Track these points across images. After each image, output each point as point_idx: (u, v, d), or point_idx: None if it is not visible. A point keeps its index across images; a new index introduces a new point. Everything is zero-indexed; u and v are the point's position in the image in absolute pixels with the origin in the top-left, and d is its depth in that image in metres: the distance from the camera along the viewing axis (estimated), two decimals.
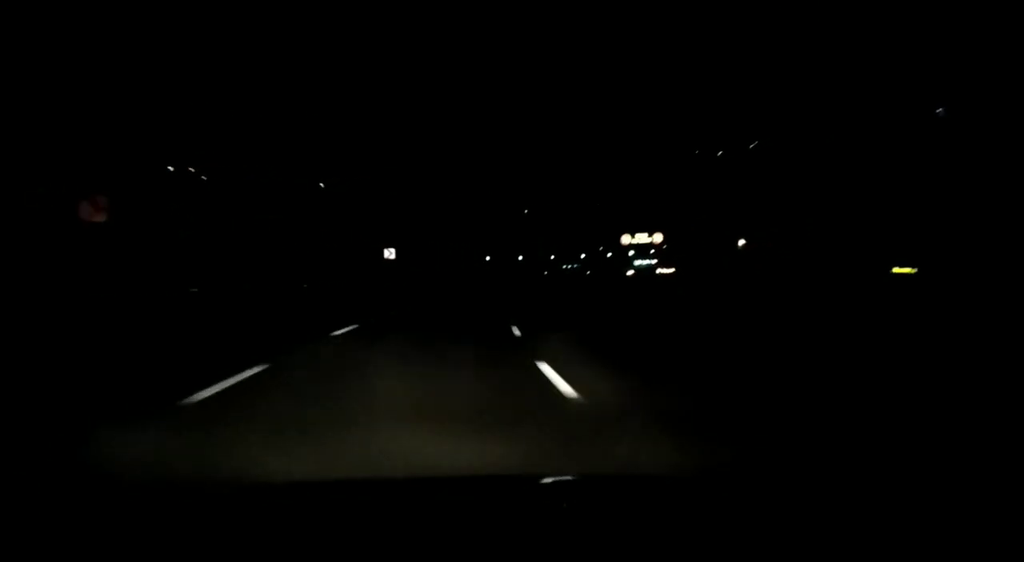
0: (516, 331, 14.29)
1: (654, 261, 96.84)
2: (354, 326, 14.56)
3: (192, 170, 48.02)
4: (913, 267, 29.11)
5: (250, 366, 8.18)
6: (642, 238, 72.93)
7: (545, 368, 8.56)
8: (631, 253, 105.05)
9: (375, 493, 2.00)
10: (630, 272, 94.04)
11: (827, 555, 1.42)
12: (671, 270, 79.53)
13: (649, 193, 79.89)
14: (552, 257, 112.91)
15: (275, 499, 1.89)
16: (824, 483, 3.37)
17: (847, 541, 1.48)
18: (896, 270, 29.97)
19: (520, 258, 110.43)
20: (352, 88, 54.30)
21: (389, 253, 51.19)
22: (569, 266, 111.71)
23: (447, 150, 67.14)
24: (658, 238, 68.69)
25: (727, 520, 1.67)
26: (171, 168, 42.50)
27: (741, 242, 48.98)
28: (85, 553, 1.39)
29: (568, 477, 2.65)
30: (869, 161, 32.68)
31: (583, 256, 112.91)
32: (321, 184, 63.46)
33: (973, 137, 28.32)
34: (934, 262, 27.39)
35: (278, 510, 1.73)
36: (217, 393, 6.61)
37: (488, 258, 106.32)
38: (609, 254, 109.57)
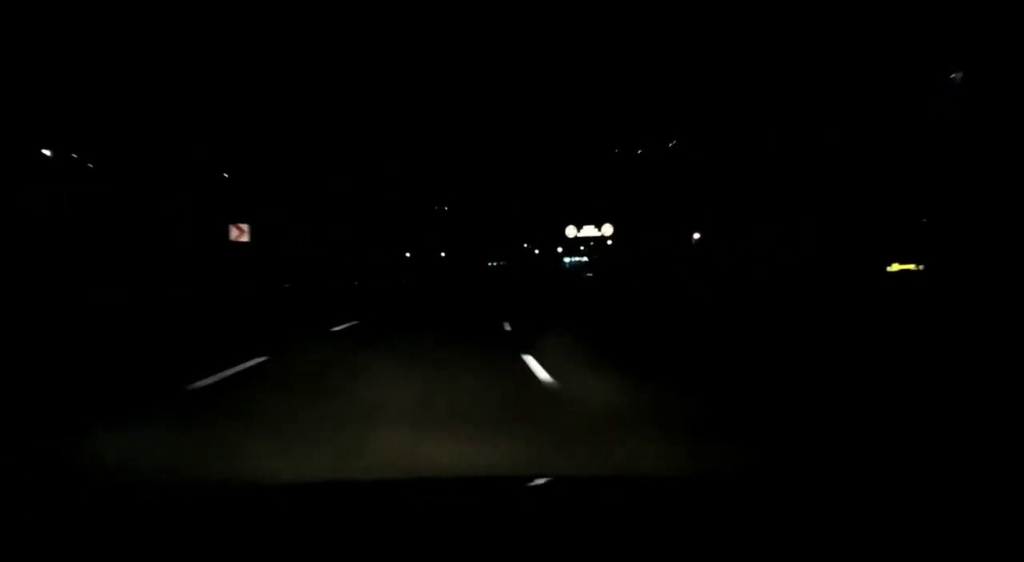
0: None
1: (584, 258, 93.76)
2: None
3: (74, 156, 42.63)
4: (918, 263, 25.82)
5: None
6: (590, 231, 66.69)
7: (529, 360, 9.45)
8: (559, 250, 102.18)
9: (372, 495, 2.01)
10: (561, 268, 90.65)
11: (831, 556, 1.40)
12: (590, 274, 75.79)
13: (587, 188, 76.24)
14: (477, 254, 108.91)
15: (272, 500, 1.88)
16: (826, 484, 3.27)
17: (850, 543, 1.46)
18: (896, 267, 26.77)
19: (443, 255, 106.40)
20: (256, 72, 48.50)
21: (238, 233, 43.45)
22: (495, 264, 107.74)
23: (363, 145, 61.56)
24: (608, 230, 62.79)
25: (728, 522, 1.64)
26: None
27: (696, 236, 45.96)
28: (85, 553, 1.39)
29: (568, 478, 2.90)
30: (855, 146, 29.20)
31: (510, 253, 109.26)
32: (225, 175, 58.16)
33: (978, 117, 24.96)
34: (943, 257, 23.96)
35: (275, 511, 1.72)
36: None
37: (408, 255, 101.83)
38: (537, 251, 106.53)
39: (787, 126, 33.40)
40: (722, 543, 1.45)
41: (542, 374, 8.26)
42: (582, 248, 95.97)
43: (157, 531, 1.52)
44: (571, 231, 66.56)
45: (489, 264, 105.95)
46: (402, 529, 1.56)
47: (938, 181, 24.96)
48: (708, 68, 42.64)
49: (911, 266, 26.22)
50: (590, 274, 79.85)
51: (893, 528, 1.53)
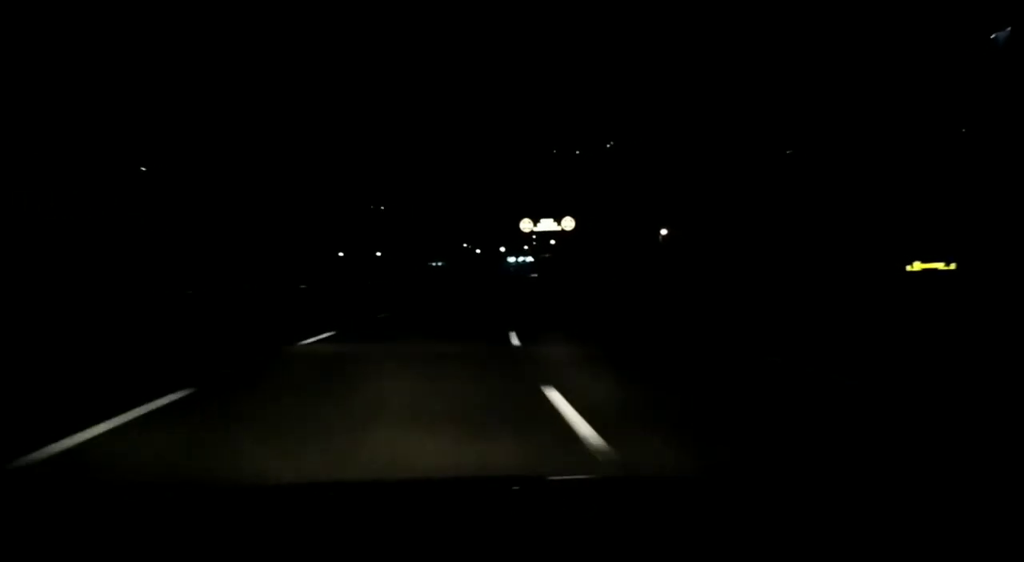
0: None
1: (530, 258, 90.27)
2: None
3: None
4: (947, 261, 22.79)
5: None
6: (548, 225, 59.39)
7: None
8: (502, 249, 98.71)
9: (372, 495, 2.02)
10: (505, 268, 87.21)
11: (830, 555, 1.41)
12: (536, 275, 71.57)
13: (535, 184, 72.54)
14: (415, 254, 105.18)
15: (272, 500, 1.90)
16: (826, 483, 3.28)
17: (851, 541, 1.47)
18: (919, 266, 23.78)
19: (379, 254, 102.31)
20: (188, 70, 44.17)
21: None
22: (435, 264, 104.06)
23: (298, 141, 56.50)
24: (569, 224, 56.40)
25: (726, 521, 1.66)
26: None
27: (664, 232, 42.82)
28: (85, 553, 1.39)
29: (568, 478, 2.84)
30: (863, 128, 26.03)
31: (449, 254, 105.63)
32: (143, 168, 53.26)
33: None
34: (983, 255, 20.86)
35: (275, 511, 1.74)
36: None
37: (341, 254, 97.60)
38: (478, 250, 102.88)
39: (781, 109, 30.14)
40: (721, 543, 1.44)
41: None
42: (526, 248, 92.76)
43: (157, 531, 1.51)
44: (526, 225, 58.87)
45: (431, 264, 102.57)
46: (401, 529, 1.56)
47: (976, 165, 21.83)
48: (672, 59, 39.66)
49: (938, 265, 23.25)
50: (535, 274, 76.43)
51: (890, 526, 1.53)
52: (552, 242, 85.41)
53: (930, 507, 1.81)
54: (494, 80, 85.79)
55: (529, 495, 1.95)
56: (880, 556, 1.37)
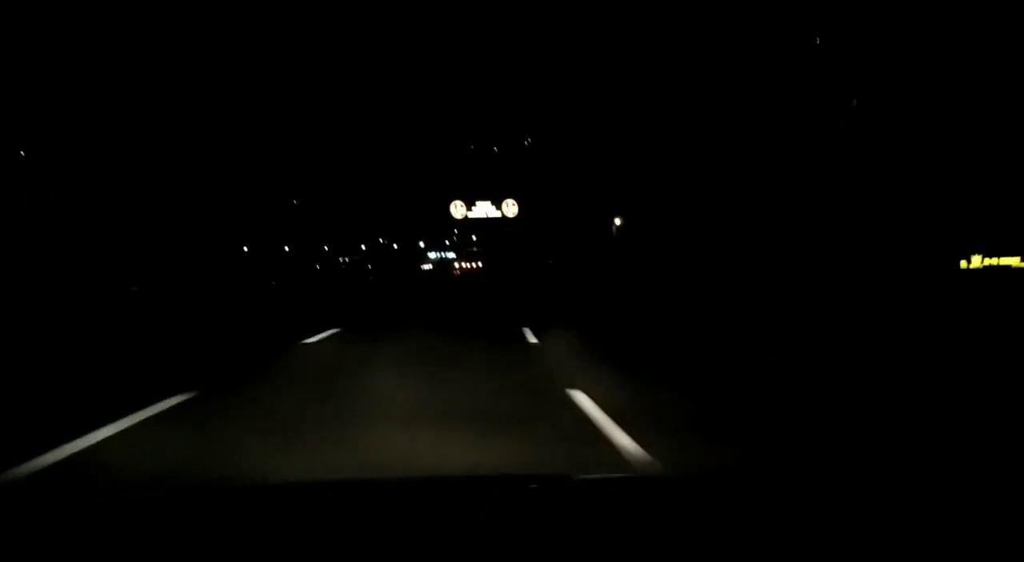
0: None
1: (451, 254, 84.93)
2: None
3: None
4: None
5: None
6: (486, 209, 48.86)
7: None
8: (422, 244, 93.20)
9: (374, 493, 2.00)
10: (426, 266, 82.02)
11: (830, 555, 1.40)
12: (477, 265, 66.61)
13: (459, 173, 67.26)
14: (326, 248, 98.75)
15: (272, 499, 1.89)
16: (827, 481, 3.24)
17: (851, 541, 1.46)
18: (980, 262, 19.54)
19: (286, 249, 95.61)
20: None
21: None
22: (345, 259, 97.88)
23: (202, 131, 50.40)
24: (512, 210, 47.09)
25: (729, 519, 1.64)
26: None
27: (617, 221, 38.16)
28: (85, 553, 1.39)
29: (568, 476, 2.83)
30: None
31: (363, 248, 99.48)
32: (21, 152, 46.58)
33: None
34: None
35: (275, 510, 1.73)
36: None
37: (245, 249, 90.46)
38: (395, 246, 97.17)
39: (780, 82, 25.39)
40: (723, 542, 1.43)
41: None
42: (447, 242, 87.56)
43: (157, 531, 1.50)
44: (458, 210, 48.09)
45: (340, 259, 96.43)
46: (402, 529, 1.54)
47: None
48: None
49: (1012, 261, 19.12)
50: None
51: (891, 525, 1.51)
52: (475, 238, 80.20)
53: (928, 508, 1.77)
54: (412, 76, 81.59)
55: (530, 494, 1.93)
56: (881, 556, 1.36)
